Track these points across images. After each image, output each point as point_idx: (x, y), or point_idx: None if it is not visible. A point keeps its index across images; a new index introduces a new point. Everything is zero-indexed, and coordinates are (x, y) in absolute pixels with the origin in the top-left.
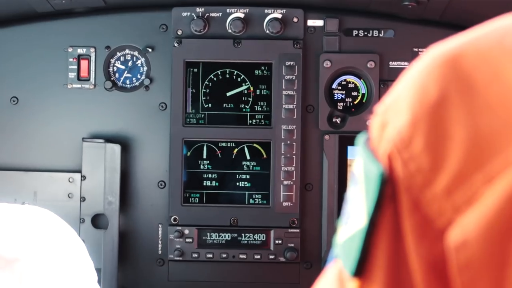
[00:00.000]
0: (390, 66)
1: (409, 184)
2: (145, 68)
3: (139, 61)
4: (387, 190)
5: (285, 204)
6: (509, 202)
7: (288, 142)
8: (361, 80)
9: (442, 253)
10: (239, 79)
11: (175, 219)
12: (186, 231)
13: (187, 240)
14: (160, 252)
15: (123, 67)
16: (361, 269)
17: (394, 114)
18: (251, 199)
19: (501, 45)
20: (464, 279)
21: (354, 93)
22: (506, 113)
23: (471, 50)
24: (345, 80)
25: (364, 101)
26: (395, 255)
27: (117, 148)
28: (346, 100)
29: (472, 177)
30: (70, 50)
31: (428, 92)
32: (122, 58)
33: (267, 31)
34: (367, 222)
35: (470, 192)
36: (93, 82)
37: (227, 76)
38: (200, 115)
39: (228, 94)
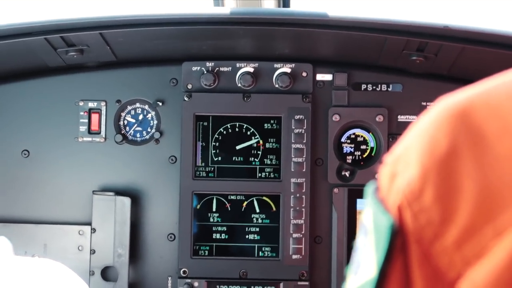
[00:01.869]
0: (398, 120)
1: (419, 236)
2: (155, 122)
3: (149, 115)
4: (397, 242)
5: (294, 256)
6: None
7: (297, 195)
8: (370, 133)
9: None
10: (248, 133)
11: (184, 272)
12: (196, 284)
13: None
14: None
15: (133, 120)
16: None
17: (404, 165)
18: (260, 252)
19: (510, 99)
20: None
21: (363, 147)
22: None
23: (481, 102)
24: (354, 133)
25: (373, 154)
26: None
27: (127, 201)
28: (355, 153)
29: (482, 230)
30: (81, 104)
31: (438, 144)
32: (132, 112)
33: (276, 85)
34: (377, 273)
35: (480, 246)
36: (103, 136)
37: (237, 129)
38: (209, 168)
39: (238, 147)
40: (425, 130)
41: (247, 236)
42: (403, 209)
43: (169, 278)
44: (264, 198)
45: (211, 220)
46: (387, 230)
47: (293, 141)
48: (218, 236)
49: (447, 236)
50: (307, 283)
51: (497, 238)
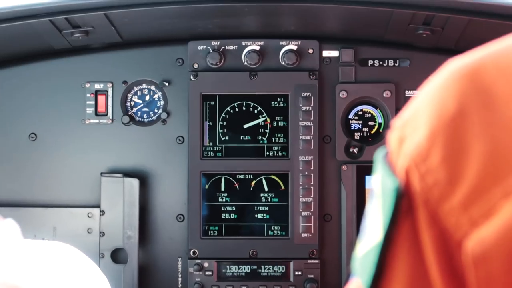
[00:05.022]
0: (406, 95)
1: (426, 197)
2: (162, 102)
3: (156, 95)
4: (403, 204)
5: (304, 235)
6: None
7: (306, 173)
8: (378, 109)
9: (462, 264)
10: (255, 111)
11: (194, 252)
12: (206, 264)
13: (207, 273)
14: (180, 285)
15: (140, 101)
16: (377, 284)
17: (412, 128)
18: (270, 231)
19: None
20: None
21: (371, 123)
22: None
23: (491, 64)
24: (361, 110)
25: (381, 130)
26: (414, 268)
27: (135, 182)
28: (363, 130)
29: (490, 191)
30: (87, 85)
31: (446, 106)
32: (139, 93)
33: (283, 63)
34: (383, 236)
35: (487, 206)
36: (110, 117)
37: (244, 108)
38: (217, 147)
39: (245, 126)
40: (434, 92)
41: (256, 216)
42: (411, 171)
43: (179, 259)
44: (273, 176)
45: (220, 200)
46: (393, 192)
47: (300, 118)
48: (227, 216)
49: (454, 196)
50: (317, 261)
51: (506, 199)
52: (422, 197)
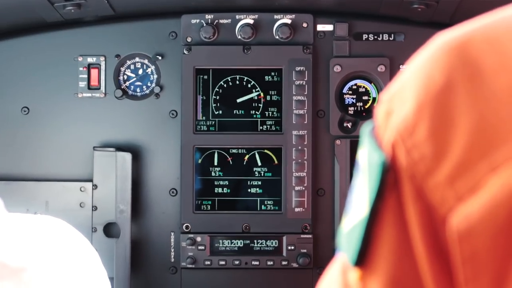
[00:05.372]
0: (400, 69)
1: (412, 172)
2: (155, 76)
3: (149, 69)
4: (389, 179)
5: (297, 210)
6: None
7: (299, 147)
8: (372, 84)
9: (447, 240)
10: (249, 85)
11: (187, 227)
12: (198, 239)
13: (200, 247)
14: (172, 260)
15: (133, 75)
16: (362, 258)
17: (399, 102)
18: (263, 205)
19: (510, 33)
20: (468, 270)
21: (365, 97)
22: None
23: (479, 37)
24: (355, 84)
25: (375, 105)
26: (399, 243)
27: (128, 156)
28: (357, 104)
29: (476, 165)
30: (80, 59)
31: (433, 79)
32: (132, 66)
33: (277, 37)
34: (369, 211)
35: (473, 181)
36: (103, 91)
37: (237, 82)
38: (210, 122)
39: (239, 100)
40: (421, 65)
41: (249, 190)
42: (397, 146)
43: (172, 234)
44: (266, 151)
45: (213, 174)
46: (379, 167)
47: (294, 93)
48: (220, 190)
49: (440, 171)
50: (310, 236)
51: (492, 173)
52: (407, 172)
